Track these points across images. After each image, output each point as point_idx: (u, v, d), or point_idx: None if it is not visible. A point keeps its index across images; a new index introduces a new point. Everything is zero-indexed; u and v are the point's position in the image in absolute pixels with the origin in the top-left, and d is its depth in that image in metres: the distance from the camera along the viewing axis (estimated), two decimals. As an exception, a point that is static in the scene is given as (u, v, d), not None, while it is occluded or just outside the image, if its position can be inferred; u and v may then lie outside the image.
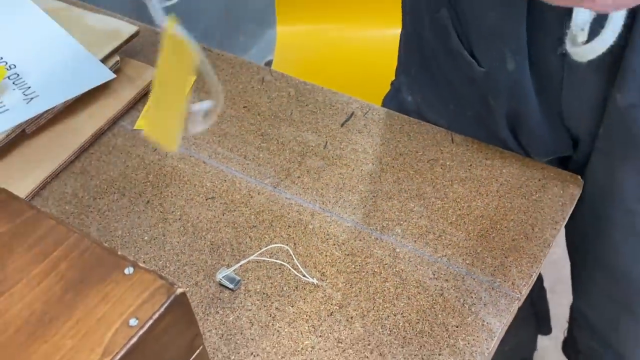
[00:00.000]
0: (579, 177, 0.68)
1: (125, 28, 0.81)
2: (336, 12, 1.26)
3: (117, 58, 0.79)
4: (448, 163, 0.71)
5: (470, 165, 0.71)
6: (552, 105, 0.64)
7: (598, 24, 0.50)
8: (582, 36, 0.48)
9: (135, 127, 0.76)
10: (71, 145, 0.73)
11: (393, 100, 0.82)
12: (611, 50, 0.55)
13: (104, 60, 0.78)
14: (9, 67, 0.77)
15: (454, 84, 0.72)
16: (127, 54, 0.83)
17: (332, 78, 1.23)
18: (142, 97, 0.79)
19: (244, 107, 0.78)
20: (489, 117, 0.70)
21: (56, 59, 0.77)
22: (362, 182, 0.70)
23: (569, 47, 0.49)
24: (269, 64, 1.27)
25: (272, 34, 1.44)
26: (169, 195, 0.70)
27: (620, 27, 0.50)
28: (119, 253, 0.44)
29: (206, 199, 0.69)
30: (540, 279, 1.04)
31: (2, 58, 0.78)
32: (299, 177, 0.71)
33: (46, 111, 0.73)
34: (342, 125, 0.76)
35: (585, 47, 0.48)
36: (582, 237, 0.78)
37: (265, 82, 0.81)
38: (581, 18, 0.50)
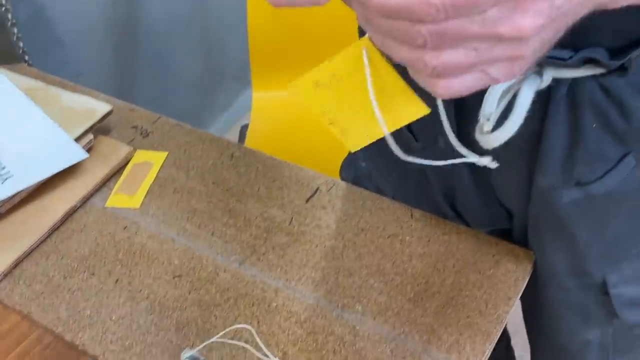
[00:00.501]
0: (532, 252, 0.69)
1: (100, 107, 0.82)
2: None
3: (90, 136, 0.80)
4: (407, 238, 0.72)
5: (429, 240, 0.72)
6: (484, 182, 0.66)
7: (503, 115, 0.51)
8: (488, 126, 0.49)
9: (106, 205, 0.77)
10: (44, 225, 0.73)
11: (350, 166, 0.83)
12: (530, 136, 0.57)
13: (78, 138, 0.79)
14: (-14, 147, 0.77)
15: (397, 158, 0.73)
16: (102, 132, 0.84)
17: (306, 142, 1.24)
18: (114, 174, 0.80)
19: (213, 182, 0.79)
20: (429, 189, 0.71)
21: (31, 138, 0.78)
22: (325, 259, 0.71)
23: (477, 135, 0.50)
24: (245, 127, 1.28)
25: (251, 91, 1.46)
26: (137, 274, 0.70)
27: (521, 119, 0.51)
28: (80, 348, 0.44)
29: (173, 277, 0.69)
30: (507, 338, 1.04)
31: (-21, 138, 0.78)
32: (264, 253, 0.71)
33: (20, 191, 0.73)
34: (307, 201, 0.77)
35: (490, 136, 0.49)
36: (526, 308, 0.79)
37: (234, 158, 0.82)
38: (488, 109, 0.52)
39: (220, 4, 1.59)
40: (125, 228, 0.74)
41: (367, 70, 0.44)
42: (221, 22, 1.60)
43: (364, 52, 0.43)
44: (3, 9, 0.93)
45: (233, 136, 1.74)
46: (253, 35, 1.26)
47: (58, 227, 0.74)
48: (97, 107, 0.82)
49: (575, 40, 0.50)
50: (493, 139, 0.48)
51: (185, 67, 1.61)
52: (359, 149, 0.50)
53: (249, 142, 1.24)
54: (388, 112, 0.46)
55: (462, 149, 0.60)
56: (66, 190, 0.76)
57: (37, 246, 0.73)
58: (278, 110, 1.27)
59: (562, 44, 0.50)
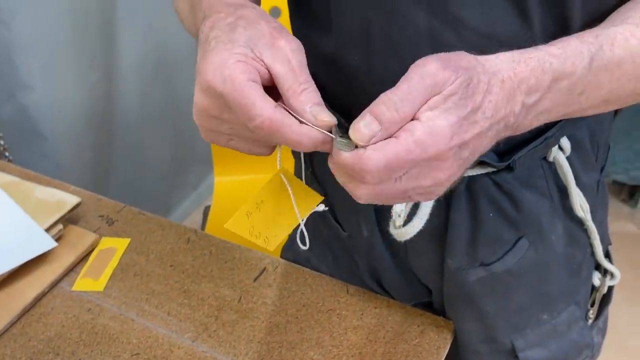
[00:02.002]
0: (451, 322, 0.70)
1: (70, 199, 0.82)
2: (267, 164, 1.30)
3: (60, 226, 0.80)
4: (343, 312, 0.73)
5: (362, 314, 0.72)
6: (403, 264, 0.67)
7: (413, 212, 0.54)
8: (399, 221, 0.51)
9: (73, 289, 0.76)
10: (13, 310, 0.72)
11: (289, 250, 0.84)
12: (439, 225, 0.59)
13: (49, 229, 0.79)
14: (-37, 238, 0.77)
15: (329, 240, 0.75)
16: (71, 221, 0.84)
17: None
18: (81, 260, 0.79)
19: (170, 265, 0.79)
20: (358, 270, 0.72)
21: (5, 229, 0.78)
22: (270, 334, 0.71)
23: (390, 229, 0.52)
24: (208, 208, 1.29)
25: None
26: (99, 353, 0.69)
27: (426, 216, 0.54)
28: None
29: (132, 355, 0.69)
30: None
31: (-43, 230, 0.78)
32: (215, 330, 0.71)
33: (-8, 279, 0.72)
34: (254, 280, 0.77)
35: (400, 230, 0.51)
36: None
37: (190, 242, 0.83)
38: (399, 206, 0.55)
39: (189, 99, 1.61)
40: (89, 310, 0.73)
41: (290, 190, 0.54)
42: (190, 114, 1.63)
43: (283, 177, 0.54)
44: (-15, 112, 0.94)
45: (200, 214, 1.74)
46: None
47: (28, 311, 0.73)
48: (67, 199, 0.82)
49: None
50: (404, 233, 0.50)
51: (157, 154, 1.62)
52: (276, 246, 0.58)
53: (210, 222, 1.24)
54: (300, 209, 0.56)
55: None
56: (36, 276, 0.76)
57: (7, 329, 0.71)
58: (236, 193, 1.28)
59: None
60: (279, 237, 0.56)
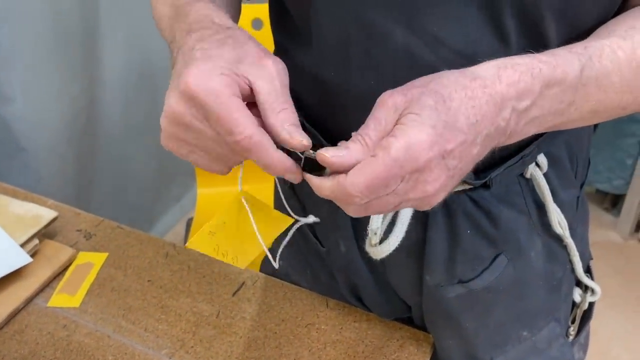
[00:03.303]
0: (430, 336, 0.69)
1: (46, 214, 0.81)
2: (251, 175, 1.28)
3: (36, 241, 0.78)
4: (323, 327, 0.71)
5: (341, 328, 0.71)
6: (382, 280, 0.66)
7: (389, 229, 0.53)
8: (375, 239, 0.50)
9: (48, 305, 0.74)
10: (-14, 327, 0.70)
11: (268, 265, 0.83)
12: (417, 241, 0.58)
13: (24, 244, 0.77)
14: (-64, 254, 0.74)
15: (307, 256, 0.73)
16: (48, 236, 0.82)
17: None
18: (58, 275, 0.77)
19: (148, 280, 0.77)
20: (337, 285, 0.71)
21: (-21, 245, 0.76)
22: (249, 349, 0.69)
23: (366, 247, 0.51)
24: (191, 220, 1.27)
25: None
26: (73, 371, 0.67)
27: (403, 234, 0.53)
28: None
29: (107, 373, 0.67)
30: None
31: None
32: (192, 347, 0.69)
33: (-35, 296, 0.70)
34: (233, 294, 0.76)
35: (376, 248, 0.50)
36: None
37: (168, 257, 0.81)
38: (375, 224, 0.54)
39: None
40: (64, 327, 0.72)
41: (250, 214, 0.54)
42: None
43: (243, 200, 0.54)
44: (-38, 124, 0.92)
45: (184, 226, 1.72)
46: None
47: (1, 328, 0.71)
48: (43, 213, 0.81)
49: None
50: (380, 251, 0.49)
51: (140, 165, 1.61)
52: (247, 264, 0.58)
53: (193, 234, 1.22)
54: (266, 231, 0.56)
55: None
56: (10, 292, 0.74)
57: (-21, 348, 0.69)
58: (220, 205, 1.27)
59: None
60: (249, 256, 0.56)
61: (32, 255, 0.77)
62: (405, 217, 0.54)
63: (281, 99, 0.45)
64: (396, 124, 0.40)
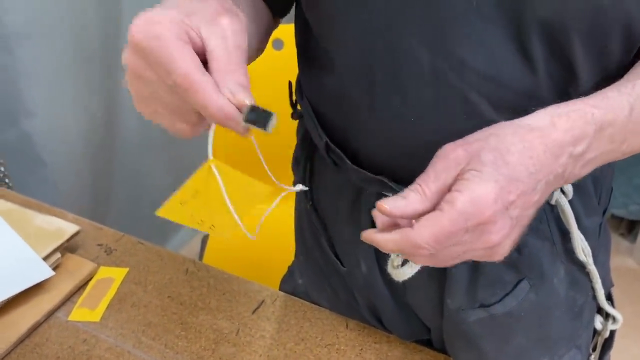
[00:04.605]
0: (450, 358, 0.69)
1: (69, 228, 0.82)
2: (268, 192, 1.30)
3: (58, 255, 0.79)
4: (342, 347, 0.72)
5: (361, 349, 0.72)
6: (402, 302, 0.67)
7: None
8: (397, 261, 0.51)
9: (69, 319, 0.75)
10: (8, 339, 0.71)
11: (288, 283, 0.84)
12: None
13: (47, 257, 0.78)
14: (-40, 266, 0.76)
15: (327, 275, 0.74)
16: (70, 249, 0.83)
17: (258, 252, 1.24)
18: (79, 289, 0.79)
19: (168, 296, 0.79)
20: (357, 305, 0.72)
21: (3, 258, 0.77)
22: (267, 368, 0.70)
23: (388, 269, 0.52)
24: (206, 238, 1.28)
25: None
26: (93, 386, 0.68)
27: None
28: None
29: (127, 389, 0.68)
30: None
31: (-46, 257, 0.77)
32: (211, 364, 0.70)
33: (-12, 307, 0.72)
34: (253, 312, 0.77)
35: (399, 270, 0.51)
36: None
37: (189, 273, 0.82)
38: None
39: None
40: (84, 341, 0.73)
41: (220, 182, 0.50)
42: (189, 142, 1.63)
43: (213, 168, 0.50)
44: (-12, 138, 0.94)
45: (198, 242, 1.74)
46: (215, 152, 1.28)
47: (22, 341, 0.72)
48: (66, 227, 0.82)
49: None
50: (402, 273, 0.50)
51: (155, 180, 1.62)
52: (228, 234, 0.54)
53: (209, 252, 1.23)
54: (242, 201, 0.52)
55: None
56: (32, 305, 0.75)
57: (1, 359, 0.70)
58: (236, 226, 1.28)
59: None
60: (227, 227, 0.53)
61: (54, 269, 0.78)
62: None
63: (232, 60, 0.44)
64: (457, 178, 0.43)
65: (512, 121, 0.45)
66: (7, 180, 0.98)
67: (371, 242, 0.45)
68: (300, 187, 0.61)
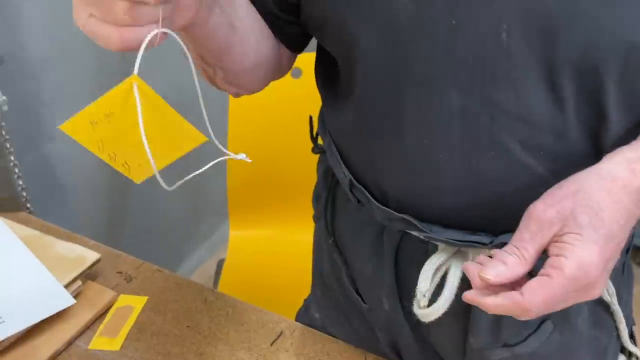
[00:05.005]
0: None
1: (89, 255, 0.83)
2: (289, 217, 1.31)
3: (79, 283, 0.80)
4: (361, 381, 0.72)
5: (380, 383, 0.72)
6: (424, 340, 0.67)
7: (437, 293, 0.54)
8: (424, 301, 0.51)
9: (89, 347, 0.76)
10: (29, 368, 0.71)
11: (304, 317, 0.84)
12: (463, 302, 0.59)
13: (68, 285, 0.79)
14: (-18, 293, 0.77)
15: (346, 310, 0.74)
16: (90, 277, 0.84)
17: (277, 279, 1.25)
18: (99, 317, 0.79)
19: (187, 326, 0.79)
20: (377, 342, 0.72)
21: (24, 285, 0.78)
22: (286, 401, 0.70)
23: (415, 309, 0.52)
24: (222, 261, 1.29)
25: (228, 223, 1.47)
26: (112, 417, 0.68)
27: (452, 297, 0.54)
28: None
29: (146, 420, 0.68)
30: None
31: (-23, 284, 0.78)
32: (230, 396, 0.70)
33: (11, 335, 0.72)
34: (271, 344, 0.77)
35: (424, 311, 0.51)
36: None
37: (207, 302, 0.82)
38: (423, 286, 0.55)
39: (204, 150, 1.63)
40: (104, 370, 0.73)
41: (139, 106, 0.41)
42: (206, 165, 1.65)
43: (134, 87, 0.41)
44: (11, 164, 0.95)
45: (212, 264, 1.74)
46: (232, 179, 1.29)
47: (42, 369, 0.73)
48: (87, 255, 0.83)
49: (494, 228, 0.54)
50: (429, 314, 0.50)
51: (171, 203, 1.63)
52: (144, 179, 0.47)
53: (225, 277, 1.24)
54: (166, 144, 0.44)
55: None
56: (53, 333, 0.75)
57: (21, 388, 0.71)
58: (252, 248, 1.29)
59: (482, 230, 0.53)
60: (146, 170, 0.45)
61: (75, 297, 0.79)
62: (454, 280, 0.55)
63: None
64: (554, 240, 0.45)
65: (592, 171, 0.47)
66: (28, 205, 0.99)
67: (476, 304, 0.47)
68: (242, 155, 0.52)
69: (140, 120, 0.41)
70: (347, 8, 0.56)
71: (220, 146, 0.47)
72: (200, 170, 0.46)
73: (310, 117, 0.77)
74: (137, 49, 0.41)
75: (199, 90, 0.48)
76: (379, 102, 0.57)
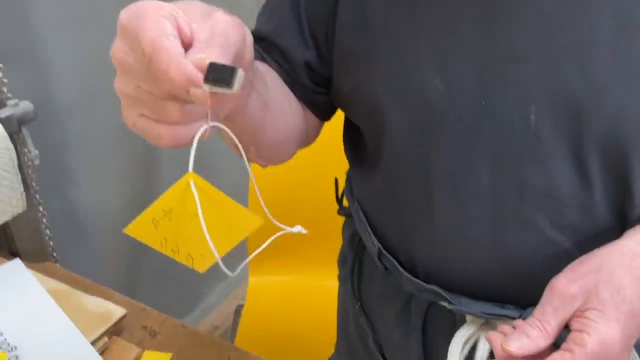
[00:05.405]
0: None
1: (116, 310, 0.84)
2: (306, 262, 1.31)
3: (105, 339, 0.81)
4: None
5: None
6: None
7: None
8: None
9: (115, 406, 0.76)
10: None
11: None
12: None
13: (95, 341, 0.80)
14: (11, 348, 0.78)
15: None
16: (115, 332, 0.85)
17: (297, 326, 1.25)
18: (124, 374, 0.80)
19: (211, 385, 0.80)
20: None
21: (53, 342, 0.79)
22: None
23: None
24: (240, 307, 1.30)
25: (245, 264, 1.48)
26: None
27: None
28: None
29: None
30: None
31: (5, 339, 0.79)
32: None
33: (38, 393, 0.73)
34: (295, 405, 0.77)
35: None
36: None
37: (231, 360, 0.83)
38: (480, 356, 0.55)
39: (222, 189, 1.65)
40: None
41: (198, 202, 0.42)
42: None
43: (191, 184, 0.42)
44: (40, 214, 0.97)
45: (229, 305, 1.75)
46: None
47: None
48: (113, 310, 0.84)
49: (522, 300, 0.55)
50: None
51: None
52: (208, 267, 0.48)
53: (244, 326, 1.24)
54: (225, 231, 0.45)
55: None
56: (79, 391, 0.76)
57: None
58: (271, 294, 1.29)
59: (510, 302, 0.54)
60: (208, 259, 0.46)
61: (101, 353, 0.80)
62: (483, 352, 0.55)
63: (214, 41, 0.40)
64: (576, 315, 0.46)
65: (614, 247, 0.48)
66: (54, 254, 1.01)
67: None
68: (299, 228, 0.52)
69: (200, 214, 0.42)
70: (378, 85, 0.57)
71: (275, 221, 0.48)
72: (260, 250, 0.49)
73: (336, 180, 0.79)
74: (189, 144, 0.42)
75: (251, 176, 0.49)
76: (407, 177, 0.58)
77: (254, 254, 0.48)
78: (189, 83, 0.38)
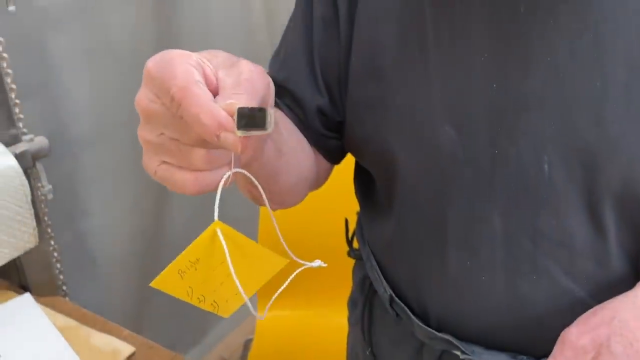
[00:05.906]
0: None
1: (124, 348, 0.84)
2: (317, 297, 1.30)
3: (114, 378, 0.81)
4: None
5: None
6: None
7: None
8: None
9: None
10: None
11: None
12: None
13: (103, 382, 0.80)
14: (19, 386, 0.78)
15: None
16: (123, 370, 0.85)
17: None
18: (132, 414, 0.79)
19: None
20: None
21: (61, 380, 0.79)
22: None
23: None
24: (249, 341, 1.29)
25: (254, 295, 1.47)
26: None
27: None
28: None
29: None
30: None
31: (14, 376, 0.79)
32: None
33: None
34: None
35: None
36: None
37: (239, 400, 0.82)
38: None
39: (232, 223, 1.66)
40: None
41: (226, 250, 0.43)
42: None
43: (218, 232, 0.43)
44: (51, 248, 0.98)
45: (237, 337, 1.74)
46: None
47: None
48: (121, 348, 0.84)
49: (535, 350, 0.55)
50: None
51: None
52: (233, 312, 0.49)
53: (252, 357, 1.24)
54: (251, 274, 0.47)
55: None
56: None
57: None
58: (280, 330, 1.28)
59: (523, 351, 0.54)
60: (232, 304, 0.48)
61: (109, 393, 0.79)
62: None
63: (240, 88, 0.40)
64: None
65: (627, 298, 0.48)
66: (64, 288, 1.01)
67: None
68: (318, 262, 0.51)
69: (229, 261, 0.42)
70: (390, 132, 0.58)
71: (295, 257, 0.48)
72: (284, 285, 0.48)
73: (346, 220, 0.79)
74: (213, 190, 0.42)
75: (273, 219, 0.49)
76: (420, 223, 0.58)
77: (280, 290, 0.48)
78: (220, 128, 0.38)
